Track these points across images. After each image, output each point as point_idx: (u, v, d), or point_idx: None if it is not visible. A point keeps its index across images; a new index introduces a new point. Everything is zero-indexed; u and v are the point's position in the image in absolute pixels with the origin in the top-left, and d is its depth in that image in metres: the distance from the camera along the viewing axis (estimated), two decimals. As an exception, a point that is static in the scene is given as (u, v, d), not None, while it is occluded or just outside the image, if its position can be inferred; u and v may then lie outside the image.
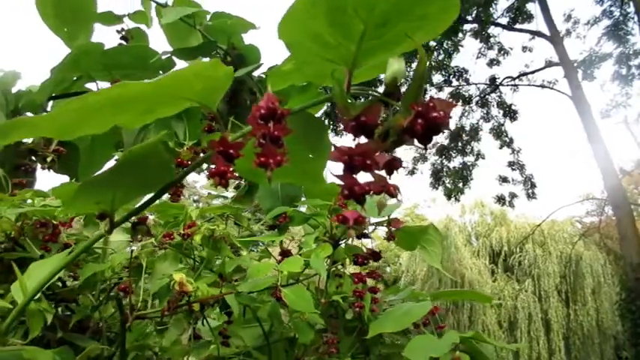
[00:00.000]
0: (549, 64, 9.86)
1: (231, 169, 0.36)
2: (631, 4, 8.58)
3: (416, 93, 0.33)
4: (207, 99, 0.39)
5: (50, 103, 0.94)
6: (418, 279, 11.57)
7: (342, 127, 0.35)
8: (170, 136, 1.03)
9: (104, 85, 0.96)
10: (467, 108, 10.63)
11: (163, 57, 0.98)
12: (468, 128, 10.67)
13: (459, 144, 10.60)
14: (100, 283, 0.75)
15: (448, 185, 10.56)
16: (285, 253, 0.82)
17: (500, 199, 10.50)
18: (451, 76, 10.00)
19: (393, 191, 0.33)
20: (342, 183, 0.33)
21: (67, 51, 0.89)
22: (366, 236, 0.91)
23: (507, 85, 10.17)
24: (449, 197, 10.46)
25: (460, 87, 9.97)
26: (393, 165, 0.34)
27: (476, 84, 10.23)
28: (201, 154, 0.95)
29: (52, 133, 0.34)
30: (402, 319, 0.85)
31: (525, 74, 10.34)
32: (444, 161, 10.62)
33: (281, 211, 0.83)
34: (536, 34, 9.75)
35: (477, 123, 10.67)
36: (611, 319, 10.40)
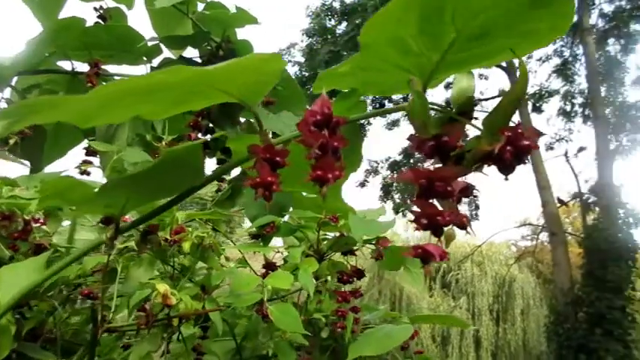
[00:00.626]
0: (503, 93, 10.31)
1: (278, 180, 0.31)
2: (580, 46, 9.15)
3: (508, 117, 0.29)
4: (250, 95, 0.34)
5: (15, 78, 0.84)
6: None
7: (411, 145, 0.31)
8: (147, 128, 0.95)
9: (81, 65, 0.87)
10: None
11: (150, 43, 0.90)
12: (420, 146, 10.94)
13: (411, 160, 10.85)
14: (61, 286, 0.66)
15: (397, 200, 10.77)
16: (270, 266, 0.76)
17: (445, 218, 10.81)
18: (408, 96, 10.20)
19: (466, 222, 0.30)
20: (416, 210, 0.28)
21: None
22: (352, 253, 0.87)
23: (434, 105, 10.51)
24: (396, 212, 10.67)
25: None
26: (467, 193, 0.30)
27: (431, 105, 10.51)
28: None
29: (73, 117, 0.27)
30: (383, 341, 0.82)
31: (480, 101, 10.75)
32: (395, 176, 10.82)
33: (268, 221, 0.77)
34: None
35: (430, 142, 10.94)
36: (536, 339, 10.91)
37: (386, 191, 10.84)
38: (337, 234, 0.82)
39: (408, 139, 0.31)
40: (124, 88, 0.26)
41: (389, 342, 0.81)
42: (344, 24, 10.54)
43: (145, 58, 0.93)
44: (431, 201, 0.28)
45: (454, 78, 0.34)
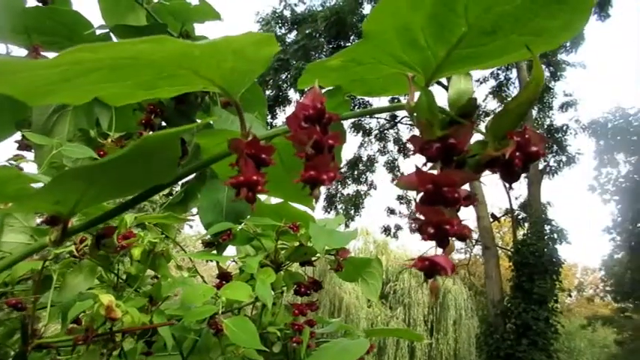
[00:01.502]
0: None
1: (263, 179, 0.28)
2: (514, 70, 9.70)
3: (516, 121, 0.27)
4: (233, 84, 0.30)
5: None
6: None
7: (410, 144, 0.28)
8: (91, 123, 0.87)
9: (18, 50, 0.78)
10: (366, 139, 11.10)
11: (98, 31, 0.83)
12: (365, 158, 11.13)
13: (355, 172, 11.00)
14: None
15: (340, 211, 10.85)
16: (225, 277, 0.71)
17: (386, 230, 11.05)
18: (356, 107, 10.39)
19: (468, 234, 0.27)
20: (422, 217, 0.26)
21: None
22: (310, 264, 0.83)
23: (405, 124, 10.82)
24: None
25: (362, 119, 10.38)
26: (470, 200, 0.28)
27: (377, 118, 10.74)
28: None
29: (25, 89, 0.22)
30: (339, 356, 0.78)
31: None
32: (339, 187, 10.93)
33: (225, 228, 0.72)
34: (436, 82, 10.57)
35: (374, 155, 11.19)
36: (467, 349, 11.31)
37: (329, 202, 10.90)
38: (296, 243, 0.78)
39: (410, 140, 0.28)
40: (94, 58, 0.21)
41: (346, 357, 0.77)
42: (294, 33, 10.57)
43: (92, 47, 0.85)
44: (436, 208, 0.26)
45: (450, 79, 0.32)
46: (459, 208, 0.29)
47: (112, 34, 0.84)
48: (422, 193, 0.26)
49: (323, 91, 0.38)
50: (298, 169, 0.31)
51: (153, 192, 0.30)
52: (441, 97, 0.30)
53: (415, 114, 0.28)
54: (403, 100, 0.32)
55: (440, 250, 0.25)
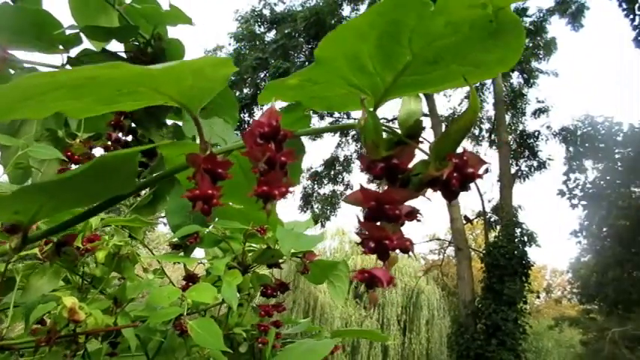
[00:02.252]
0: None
1: (218, 193, 0.29)
2: (489, 75, 9.87)
3: (456, 144, 0.29)
4: (193, 101, 0.31)
5: None
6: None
7: (360, 164, 0.30)
8: (59, 124, 0.87)
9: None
10: (343, 140, 11.16)
11: (68, 31, 0.82)
12: (341, 159, 11.19)
13: (332, 172, 11.04)
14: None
15: (316, 210, 10.88)
16: (191, 278, 0.72)
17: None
18: (326, 114, 10.43)
19: (409, 247, 0.29)
20: (364, 233, 0.28)
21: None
22: (277, 266, 0.85)
23: (384, 126, 10.89)
24: (315, 222, 10.76)
25: (341, 119, 10.42)
26: (413, 216, 0.30)
27: (355, 119, 10.79)
28: (97, 150, 0.82)
29: (-15, 110, 0.23)
30: (304, 357, 0.80)
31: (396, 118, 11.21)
32: (316, 187, 10.96)
33: (192, 231, 0.73)
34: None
35: (351, 155, 11.26)
36: (438, 348, 11.49)
37: (306, 201, 10.91)
38: (264, 246, 0.79)
39: (358, 158, 0.30)
40: (52, 81, 0.22)
41: (311, 357, 0.79)
42: (273, 32, 10.54)
43: (61, 47, 0.85)
44: (378, 224, 0.28)
45: (401, 100, 0.34)
46: (403, 223, 0.31)
47: (82, 35, 0.84)
48: (366, 210, 0.28)
49: (283, 106, 0.40)
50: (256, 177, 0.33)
51: (114, 201, 0.31)
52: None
53: (362, 134, 0.30)
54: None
55: (381, 263, 0.27)
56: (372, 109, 0.30)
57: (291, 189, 0.30)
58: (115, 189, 0.29)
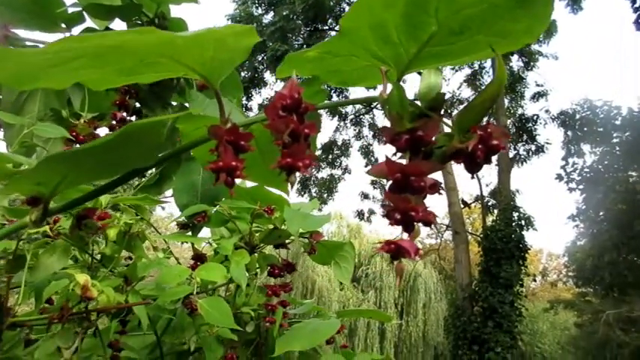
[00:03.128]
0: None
1: (242, 165, 0.29)
2: (488, 59, 9.84)
3: (480, 115, 0.29)
4: (214, 73, 0.31)
5: None
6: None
7: (383, 137, 0.30)
8: (62, 102, 0.86)
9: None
10: (341, 124, 11.12)
11: (70, 10, 0.81)
12: (340, 143, 11.17)
13: (330, 157, 11.03)
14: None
15: (314, 194, 10.89)
16: (199, 258, 0.73)
17: (360, 214, 11.17)
18: (331, 91, 10.38)
19: (433, 220, 0.29)
20: (389, 204, 0.28)
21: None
22: (284, 246, 0.85)
23: (381, 110, 10.87)
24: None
25: (339, 107, 10.37)
26: (436, 189, 0.30)
27: (353, 103, 10.73)
28: (104, 130, 0.81)
29: (13, 75, 0.23)
30: (310, 336, 0.81)
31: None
32: (314, 171, 10.95)
33: (200, 210, 0.73)
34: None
35: (349, 140, 11.24)
36: (434, 330, 11.62)
37: (304, 185, 10.92)
38: (270, 226, 0.79)
39: (381, 130, 0.30)
40: (78, 47, 0.22)
41: (317, 337, 0.80)
42: (271, 14, 10.42)
43: (63, 26, 0.83)
44: (403, 196, 0.28)
45: (422, 74, 0.34)
46: (425, 196, 0.31)
47: (84, 13, 0.83)
48: (391, 182, 0.28)
49: (300, 80, 0.39)
50: (274, 154, 0.33)
51: (133, 175, 0.31)
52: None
53: (387, 106, 0.29)
54: (376, 91, 0.34)
55: (406, 235, 0.27)
56: (395, 82, 0.30)
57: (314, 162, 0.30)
58: (137, 161, 0.29)
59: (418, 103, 0.33)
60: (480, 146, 0.28)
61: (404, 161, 0.29)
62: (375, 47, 0.30)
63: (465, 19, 0.28)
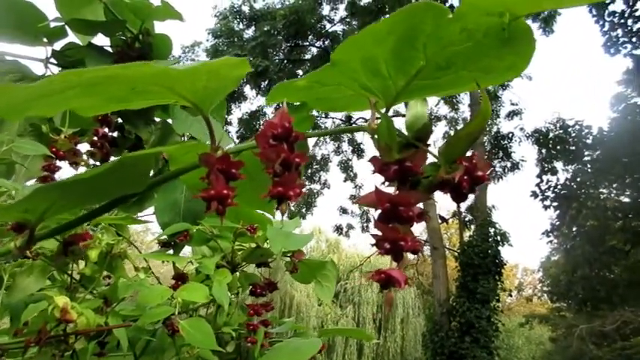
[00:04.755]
0: (397, 113, 10.98)
1: (233, 193, 0.29)
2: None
3: (466, 147, 0.30)
4: (206, 100, 0.31)
5: None
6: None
7: (372, 166, 0.31)
8: (43, 118, 0.85)
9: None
10: (321, 139, 11.18)
11: (53, 24, 0.81)
12: (319, 157, 11.21)
13: (309, 171, 11.05)
14: None
15: (292, 209, 10.87)
16: (181, 277, 0.72)
17: (338, 229, 11.19)
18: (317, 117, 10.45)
19: (420, 248, 0.30)
20: (379, 234, 0.28)
21: None
22: (266, 265, 0.85)
23: (361, 125, 10.95)
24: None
25: (318, 118, 10.44)
26: (422, 218, 0.31)
27: (333, 118, 10.84)
28: (85, 146, 0.80)
29: (5, 108, 0.23)
30: (292, 356, 0.81)
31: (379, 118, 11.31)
32: (293, 185, 10.95)
33: (182, 228, 0.73)
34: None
35: (328, 155, 11.30)
36: (412, 346, 11.62)
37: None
38: (253, 245, 0.79)
39: (370, 161, 0.30)
40: (74, 80, 0.22)
41: (299, 356, 0.80)
42: (252, 29, 10.47)
43: (45, 40, 0.83)
44: (392, 225, 0.28)
45: (408, 104, 0.35)
46: (413, 225, 0.31)
47: (67, 28, 0.82)
48: (380, 211, 0.29)
49: (290, 107, 0.40)
50: (262, 180, 0.33)
51: (122, 200, 0.31)
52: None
53: (375, 137, 0.30)
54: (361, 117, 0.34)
55: (395, 264, 0.28)
56: (384, 113, 0.31)
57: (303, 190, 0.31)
58: (128, 187, 0.29)
59: (405, 132, 0.34)
60: (465, 177, 0.29)
61: (392, 189, 0.30)
62: (364, 79, 0.30)
63: (452, 55, 0.29)
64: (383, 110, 0.32)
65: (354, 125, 0.39)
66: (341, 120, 10.92)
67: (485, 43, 0.28)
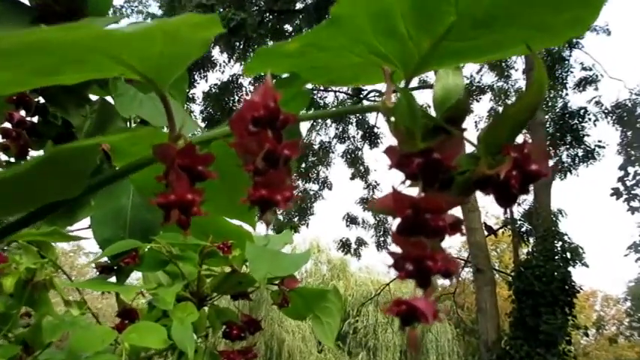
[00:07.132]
0: (424, 84, 11.01)
1: (199, 198, 0.30)
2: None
3: (515, 131, 0.31)
4: (160, 72, 0.32)
5: None
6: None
7: (388, 159, 0.31)
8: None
9: None
10: (319, 121, 11.19)
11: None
12: (316, 146, 11.22)
13: (302, 166, 11.07)
14: None
15: (280, 218, 10.88)
16: (129, 314, 0.73)
17: (345, 245, 11.16)
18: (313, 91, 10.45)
19: (454, 269, 0.31)
20: (398, 250, 0.29)
21: None
22: (246, 296, 0.86)
23: (373, 100, 10.99)
24: (278, 233, 10.79)
25: (315, 92, 10.46)
26: (457, 230, 0.32)
27: (336, 91, 10.85)
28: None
29: None
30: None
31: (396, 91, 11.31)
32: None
33: (128, 247, 0.74)
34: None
35: (330, 142, 11.29)
36: (451, 407, 11.68)
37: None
38: (227, 269, 0.80)
39: (386, 151, 0.31)
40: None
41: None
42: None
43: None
44: (416, 239, 0.29)
45: (437, 74, 0.36)
46: (444, 238, 0.32)
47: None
48: (400, 220, 0.30)
49: (277, 80, 0.41)
50: (239, 179, 0.34)
51: (52, 209, 0.32)
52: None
53: (392, 119, 0.31)
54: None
55: (420, 292, 0.29)
56: (404, 86, 0.32)
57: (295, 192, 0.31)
58: (60, 192, 0.29)
59: (432, 112, 0.35)
60: (514, 173, 0.30)
61: (416, 192, 0.31)
62: (375, 41, 0.31)
63: (493, 6, 0.30)
64: (402, 83, 0.33)
65: (363, 104, 0.40)
66: (347, 95, 10.92)
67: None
